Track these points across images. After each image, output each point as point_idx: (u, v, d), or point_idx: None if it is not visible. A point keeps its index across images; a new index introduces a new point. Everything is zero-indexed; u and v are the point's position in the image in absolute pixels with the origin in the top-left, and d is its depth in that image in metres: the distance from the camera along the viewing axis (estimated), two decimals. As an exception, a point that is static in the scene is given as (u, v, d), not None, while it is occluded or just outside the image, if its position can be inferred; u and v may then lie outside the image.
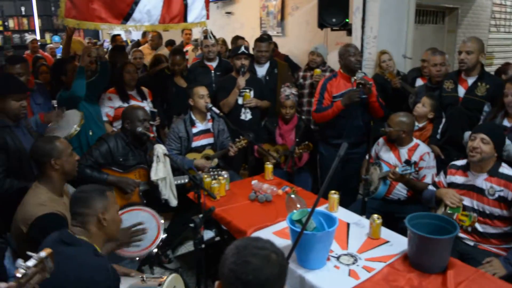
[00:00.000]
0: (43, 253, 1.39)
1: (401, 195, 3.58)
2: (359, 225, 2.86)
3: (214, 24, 4.68)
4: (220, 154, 4.01)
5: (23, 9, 10.85)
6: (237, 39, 6.25)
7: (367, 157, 3.86)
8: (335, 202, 3.04)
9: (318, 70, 4.76)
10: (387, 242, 2.64)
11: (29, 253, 1.42)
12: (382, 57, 4.79)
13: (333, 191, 3.05)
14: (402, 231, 2.78)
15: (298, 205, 2.68)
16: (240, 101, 4.50)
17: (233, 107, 4.48)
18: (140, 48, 7.25)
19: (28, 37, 8.67)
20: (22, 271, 1.32)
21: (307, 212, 2.36)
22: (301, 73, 5.05)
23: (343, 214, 3.00)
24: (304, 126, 4.23)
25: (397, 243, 2.60)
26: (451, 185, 3.01)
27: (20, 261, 1.34)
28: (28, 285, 1.31)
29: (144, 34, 7.81)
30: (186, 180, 3.62)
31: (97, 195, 2.13)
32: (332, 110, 3.97)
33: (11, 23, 10.73)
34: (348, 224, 2.86)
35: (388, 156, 3.64)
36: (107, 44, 7.88)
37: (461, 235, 2.87)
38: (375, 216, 2.67)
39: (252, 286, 1.28)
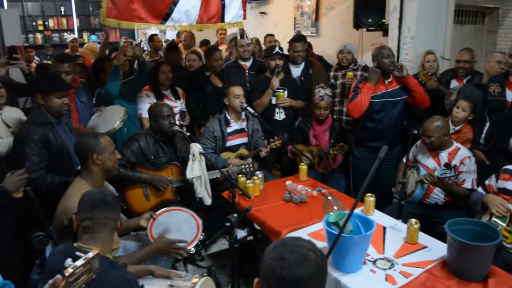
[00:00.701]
0: (91, 254, 1.42)
1: (438, 199, 3.49)
2: (395, 229, 2.81)
3: (248, 24, 4.71)
4: (253, 154, 4.01)
5: (62, 9, 11.18)
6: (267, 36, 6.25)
7: (404, 160, 3.81)
8: (371, 205, 3.00)
9: (350, 73, 4.66)
10: (425, 247, 2.58)
11: (78, 253, 1.45)
12: (427, 57, 4.70)
13: (369, 194, 3.00)
14: (439, 236, 2.72)
15: (335, 207, 2.66)
16: (273, 100, 4.50)
17: (266, 107, 4.49)
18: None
19: (67, 36, 8.91)
20: (71, 270, 1.34)
21: (344, 215, 2.34)
22: (332, 73, 4.98)
23: (379, 218, 2.95)
24: (339, 127, 4.19)
25: (435, 249, 2.54)
26: (502, 191, 2.89)
27: (69, 260, 1.37)
28: (75, 284, 1.34)
29: (179, 34, 7.90)
30: (218, 175, 3.63)
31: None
32: (363, 93, 3.89)
33: (51, 23, 11.07)
34: (384, 228, 2.81)
35: (427, 159, 3.55)
36: (143, 44, 8.01)
37: (506, 244, 2.77)
38: (413, 220, 2.62)
39: (286, 283, 1.27)
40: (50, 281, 1.30)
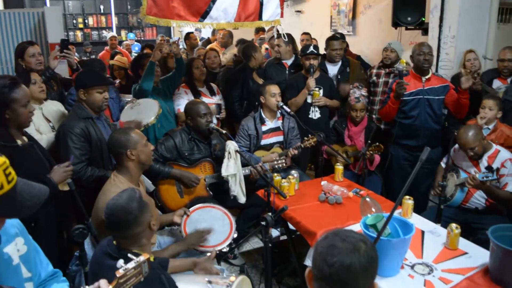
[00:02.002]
0: (142, 258, 1.44)
1: (479, 204, 3.38)
2: (434, 234, 2.74)
3: (283, 22, 4.67)
4: (286, 153, 3.99)
5: (101, 7, 11.49)
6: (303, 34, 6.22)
7: (442, 163, 3.72)
8: (409, 208, 2.93)
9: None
10: (466, 253, 2.50)
11: (130, 255, 1.48)
12: (468, 56, 4.56)
13: (407, 197, 2.93)
14: (480, 242, 2.63)
15: (373, 209, 2.61)
16: (309, 99, 4.46)
17: (301, 105, 4.46)
18: (209, 46, 7.40)
19: (106, 34, 9.11)
20: (122, 272, 1.36)
21: (382, 217, 2.29)
22: (374, 70, 4.90)
23: (417, 221, 2.87)
24: (376, 127, 4.12)
25: (476, 255, 2.46)
26: None
27: (121, 262, 1.40)
28: (124, 286, 1.36)
29: (214, 32, 7.94)
30: (248, 172, 3.63)
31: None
32: (388, 105, 3.93)
33: (90, 21, 11.40)
34: (422, 232, 2.74)
35: (466, 163, 3.45)
36: (179, 42, 8.11)
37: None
38: (453, 225, 2.54)
39: (336, 270, 1.29)
40: (96, 284, 1.33)
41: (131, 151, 2.61)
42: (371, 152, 3.88)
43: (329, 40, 4.80)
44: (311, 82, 4.34)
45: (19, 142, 2.55)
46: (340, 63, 4.80)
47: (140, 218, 2.01)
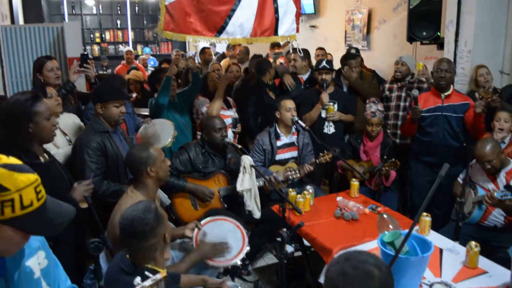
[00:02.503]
0: (159, 275, 1.44)
1: (498, 221, 3.32)
2: (453, 252, 2.69)
3: (298, 37, 4.69)
4: (301, 168, 3.96)
5: (118, 22, 11.70)
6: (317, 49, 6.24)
7: (459, 179, 3.67)
8: (427, 225, 2.89)
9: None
10: (486, 272, 2.45)
11: (147, 273, 1.48)
12: (480, 71, 4.50)
13: (424, 213, 2.89)
14: (500, 261, 2.57)
15: (391, 226, 2.57)
16: (323, 114, 4.45)
17: (316, 120, 4.44)
18: (224, 60, 7.45)
19: (122, 48, 9.24)
20: None
21: (400, 234, 2.26)
22: (387, 85, 4.87)
23: (435, 239, 2.82)
24: (392, 142, 4.10)
25: (497, 275, 2.41)
26: None
27: (138, 280, 1.40)
28: None
29: (229, 47, 8.01)
30: (261, 183, 3.62)
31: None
32: (405, 125, 3.99)
33: (107, 35, 11.59)
34: (441, 250, 2.69)
35: (483, 179, 3.40)
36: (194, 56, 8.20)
37: None
38: (473, 243, 2.49)
39: None
40: None
41: (150, 168, 2.63)
42: (387, 168, 3.84)
43: (345, 59, 4.80)
44: (324, 97, 4.34)
45: (41, 159, 2.54)
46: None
47: (156, 230, 2.01)
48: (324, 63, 4.42)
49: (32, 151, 2.46)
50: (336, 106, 4.46)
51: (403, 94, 4.62)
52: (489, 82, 4.48)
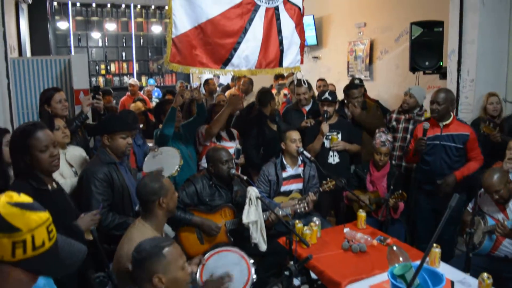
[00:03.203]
0: None
1: (508, 252, 3.25)
2: (465, 284, 2.63)
3: (301, 68, 4.77)
4: (305, 198, 3.92)
5: (124, 54, 11.90)
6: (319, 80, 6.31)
7: (468, 208, 3.62)
8: (437, 256, 2.84)
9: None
10: (499, 305, 2.39)
11: None
12: (490, 99, 4.52)
13: (434, 245, 2.84)
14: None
15: (401, 258, 2.52)
16: (327, 144, 4.44)
17: (319, 151, 4.43)
18: (228, 91, 7.50)
19: (127, 79, 9.34)
20: None
21: (410, 267, 2.21)
22: (394, 115, 4.88)
23: (445, 270, 2.75)
24: (399, 173, 4.07)
25: (511, 308, 2.35)
26: None
27: None
28: None
29: (233, 78, 8.09)
30: (265, 217, 3.57)
31: (154, 255, 2.00)
32: (408, 155, 4.07)
33: (112, 67, 11.74)
34: (452, 283, 2.61)
35: (492, 208, 3.35)
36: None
37: None
38: (485, 275, 2.44)
39: None
40: None
41: (163, 199, 2.60)
42: (395, 199, 3.80)
43: (348, 89, 4.83)
44: (324, 127, 4.34)
45: (49, 186, 2.52)
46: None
47: (146, 263, 2.01)
48: (326, 95, 4.43)
49: (40, 177, 2.43)
50: (340, 135, 4.45)
51: (411, 126, 4.61)
52: (497, 111, 4.49)
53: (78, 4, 11.17)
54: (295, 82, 4.86)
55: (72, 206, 2.67)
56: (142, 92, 9.44)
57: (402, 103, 4.79)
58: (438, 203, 3.84)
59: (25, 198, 1.22)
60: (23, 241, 1.15)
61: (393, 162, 4.64)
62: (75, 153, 3.48)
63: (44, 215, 1.18)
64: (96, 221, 2.60)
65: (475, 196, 3.27)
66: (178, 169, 3.68)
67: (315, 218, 3.47)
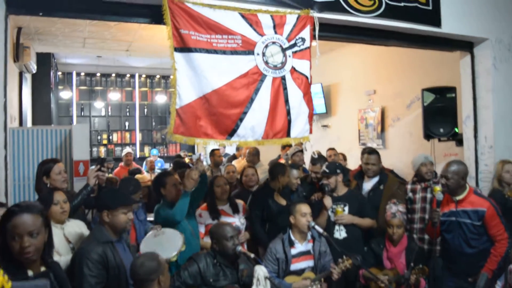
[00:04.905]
0: None
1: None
2: None
3: (310, 137, 4.61)
4: (321, 277, 3.64)
5: (127, 124, 11.87)
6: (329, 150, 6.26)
7: (497, 286, 3.30)
8: None
9: (437, 188, 4.01)
10: None
11: None
12: (506, 167, 4.27)
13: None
14: None
15: None
16: (332, 217, 4.20)
17: (325, 225, 4.14)
18: (234, 162, 7.34)
19: (124, 150, 9.19)
20: None
21: None
22: (409, 186, 4.62)
23: None
24: (418, 247, 3.78)
25: None
26: None
27: None
28: None
29: (238, 148, 7.97)
30: None
31: None
32: (428, 228, 3.89)
33: (114, 137, 11.69)
34: None
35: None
36: (203, 157, 8.12)
37: None
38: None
39: None
40: None
41: (161, 278, 2.60)
42: (415, 276, 3.51)
43: (364, 153, 4.67)
44: (327, 201, 4.14)
45: (29, 272, 2.26)
46: (375, 179, 4.59)
47: None
48: (324, 168, 4.29)
49: (18, 264, 2.20)
50: (347, 208, 4.20)
51: (428, 195, 4.36)
52: None
53: (82, 74, 11.30)
54: (304, 150, 4.72)
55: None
56: (144, 162, 9.32)
57: (424, 174, 4.48)
58: (465, 282, 3.52)
59: None
60: None
61: (415, 235, 4.36)
62: (76, 228, 3.31)
63: None
64: None
65: (505, 272, 2.99)
66: (177, 255, 3.46)
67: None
